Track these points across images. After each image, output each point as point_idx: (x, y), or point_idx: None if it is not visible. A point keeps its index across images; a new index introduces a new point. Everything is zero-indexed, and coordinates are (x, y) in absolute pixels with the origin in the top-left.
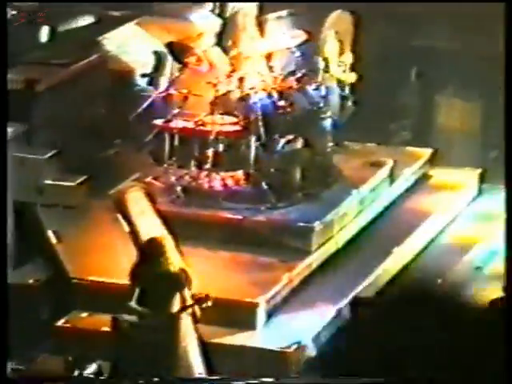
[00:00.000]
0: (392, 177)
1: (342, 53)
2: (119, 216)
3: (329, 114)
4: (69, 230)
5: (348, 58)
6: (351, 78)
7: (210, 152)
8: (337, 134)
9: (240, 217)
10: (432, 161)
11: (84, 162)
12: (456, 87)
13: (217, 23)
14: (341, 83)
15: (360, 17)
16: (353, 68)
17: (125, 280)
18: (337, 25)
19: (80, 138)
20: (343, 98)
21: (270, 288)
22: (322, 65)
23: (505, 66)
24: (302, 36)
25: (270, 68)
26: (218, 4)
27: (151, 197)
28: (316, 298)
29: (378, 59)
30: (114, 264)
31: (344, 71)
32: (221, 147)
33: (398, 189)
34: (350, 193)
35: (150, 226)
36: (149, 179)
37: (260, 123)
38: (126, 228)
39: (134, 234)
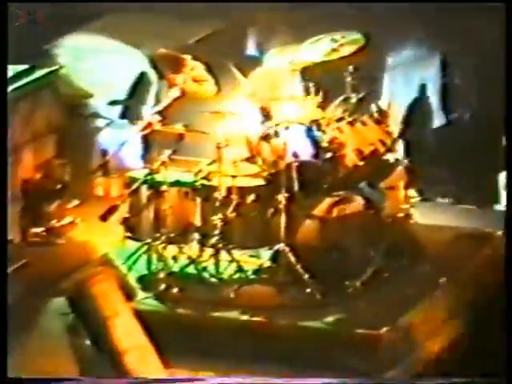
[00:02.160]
0: None
1: None
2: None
3: (401, 157)
4: None
5: None
6: None
7: (217, 219)
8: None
9: (263, 319)
10: None
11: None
12: None
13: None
14: None
15: None
16: None
17: None
18: None
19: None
20: None
21: None
22: None
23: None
24: (357, 41)
25: (309, 90)
26: None
27: (127, 289)
28: None
29: None
30: None
31: None
32: (234, 212)
33: None
34: (438, 282)
35: (125, 336)
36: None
37: (294, 174)
38: (87, 340)
39: (99, 346)
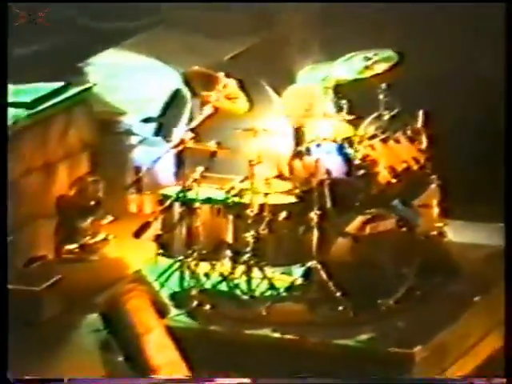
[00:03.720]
0: None
1: None
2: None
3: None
4: None
5: None
6: None
7: (249, 236)
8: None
9: (295, 337)
10: None
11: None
12: None
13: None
14: None
15: None
16: None
17: None
18: None
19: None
20: None
21: None
22: None
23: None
24: (390, 58)
25: (341, 107)
26: None
27: (159, 306)
28: None
29: None
30: None
31: None
32: (266, 229)
33: None
34: (472, 300)
35: (157, 352)
36: None
37: (326, 192)
38: (120, 356)
39: (131, 362)
